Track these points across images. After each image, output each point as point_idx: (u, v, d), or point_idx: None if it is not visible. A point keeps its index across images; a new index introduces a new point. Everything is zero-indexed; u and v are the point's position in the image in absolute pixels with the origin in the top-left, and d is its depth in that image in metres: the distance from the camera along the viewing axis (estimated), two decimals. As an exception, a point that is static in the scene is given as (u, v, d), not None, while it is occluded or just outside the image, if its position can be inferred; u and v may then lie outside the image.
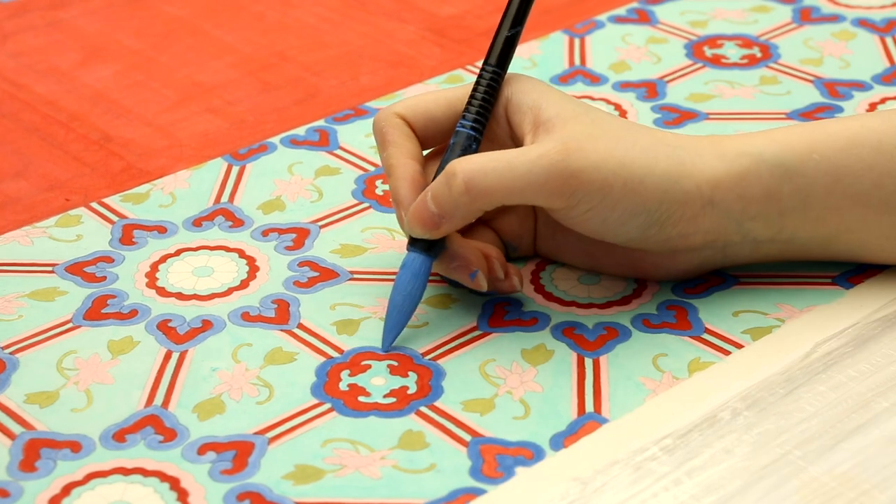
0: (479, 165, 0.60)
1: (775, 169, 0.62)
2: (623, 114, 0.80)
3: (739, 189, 0.62)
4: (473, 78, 0.84)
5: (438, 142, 0.66)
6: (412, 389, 0.60)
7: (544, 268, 0.68)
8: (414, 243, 0.63)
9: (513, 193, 0.60)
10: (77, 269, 0.68)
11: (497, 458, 0.56)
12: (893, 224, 0.64)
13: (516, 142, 0.64)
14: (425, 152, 0.66)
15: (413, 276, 0.62)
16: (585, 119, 0.62)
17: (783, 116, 0.79)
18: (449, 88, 0.66)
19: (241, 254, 0.69)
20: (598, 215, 0.61)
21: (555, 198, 0.60)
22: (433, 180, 0.62)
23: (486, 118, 0.64)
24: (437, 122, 0.65)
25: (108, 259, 0.69)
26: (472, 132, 0.63)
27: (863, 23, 0.89)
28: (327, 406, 0.59)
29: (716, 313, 0.64)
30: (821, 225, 0.64)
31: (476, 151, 0.63)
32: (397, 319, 0.62)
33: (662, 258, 0.65)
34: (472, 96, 0.64)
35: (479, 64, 0.85)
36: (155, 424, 0.58)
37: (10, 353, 0.63)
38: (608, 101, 0.81)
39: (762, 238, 0.64)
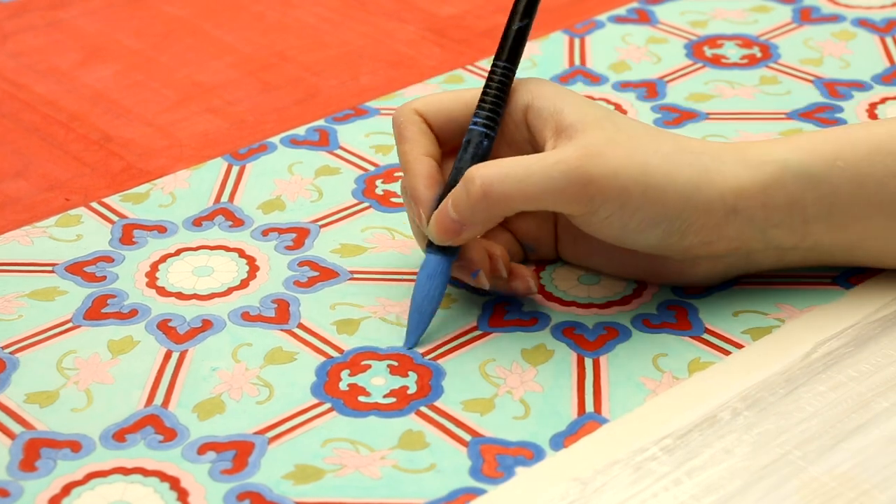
0: (496, 171, 0.60)
1: (800, 177, 0.62)
2: (624, 114, 0.80)
3: (763, 197, 0.62)
4: (474, 77, 0.84)
5: (457, 140, 0.65)
6: (412, 389, 0.60)
7: (544, 268, 0.68)
8: (431, 244, 0.63)
9: (531, 199, 0.60)
10: (77, 269, 0.68)
11: (497, 458, 0.56)
12: None
13: (536, 148, 0.63)
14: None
15: (429, 277, 0.62)
16: (607, 124, 0.61)
17: (783, 116, 0.79)
18: (467, 89, 0.65)
19: (241, 253, 0.69)
20: (617, 222, 0.61)
21: (573, 204, 0.60)
22: (448, 178, 0.62)
23: (498, 115, 0.63)
24: (456, 120, 0.65)
25: (108, 259, 0.69)
26: (484, 129, 0.63)
27: (863, 23, 0.89)
28: (327, 406, 0.59)
29: (716, 313, 0.64)
30: (844, 232, 0.63)
31: (489, 149, 0.63)
32: (418, 320, 0.62)
33: (685, 265, 0.64)
34: (483, 93, 0.64)
35: (480, 64, 0.85)
36: (155, 424, 0.58)
37: (10, 353, 0.63)
38: (608, 101, 0.81)
39: (786, 245, 0.63)
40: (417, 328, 0.63)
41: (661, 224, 0.61)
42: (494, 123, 0.63)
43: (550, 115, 0.62)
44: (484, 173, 0.60)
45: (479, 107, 0.63)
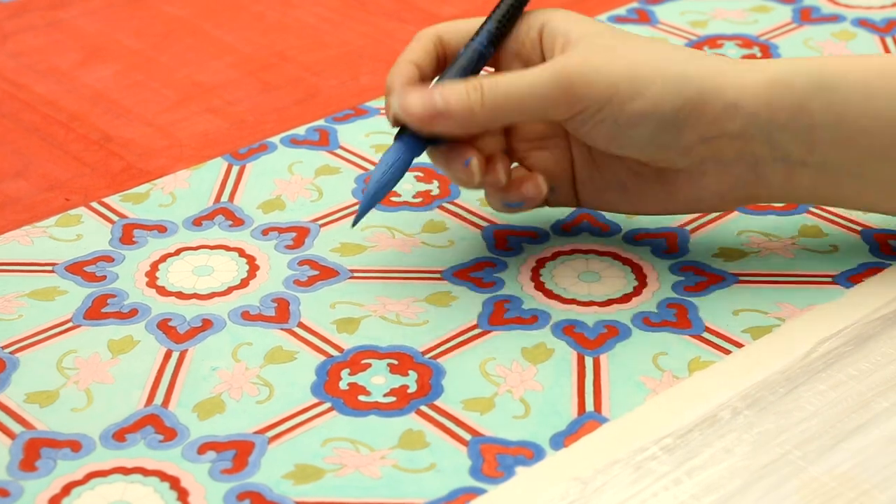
0: (494, 78, 0.61)
1: (809, 79, 0.62)
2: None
3: (767, 95, 0.62)
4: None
5: None
6: (412, 388, 0.60)
7: (544, 265, 0.68)
8: (401, 134, 0.64)
9: (521, 105, 0.61)
10: (77, 269, 0.68)
11: (497, 458, 0.56)
12: None
13: None
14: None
15: (394, 164, 0.63)
16: (607, 34, 0.63)
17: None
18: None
19: (241, 253, 0.69)
20: (608, 118, 0.61)
21: (561, 107, 0.61)
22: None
23: (499, 38, 0.65)
24: None
25: (108, 258, 0.69)
26: (480, 47, 0.65)
27: (863, 23, 0.89)
28: (327, 405, 0.59)
29: (716, 312, 0.64)
30: (851, 147, 0.63)
31: (480, 67, 0.65)
32: (369, 204, 0.63)
33: (692, 179, 0.64)
34: (490, 17, 0.65)
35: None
36: (155, 424, 0.58)
37: (10, 353, 0.63)
38: (608, 101, 0.81)
39: (794, 156, 0.63)
40: (366, 211, 0.63)
41: (652, 117, 0.61)
42: (493, 45, 0.65)
43: (560, 34, 0.64)
44: (486, 80, 0.61)
45: (481, 27, 0.65)
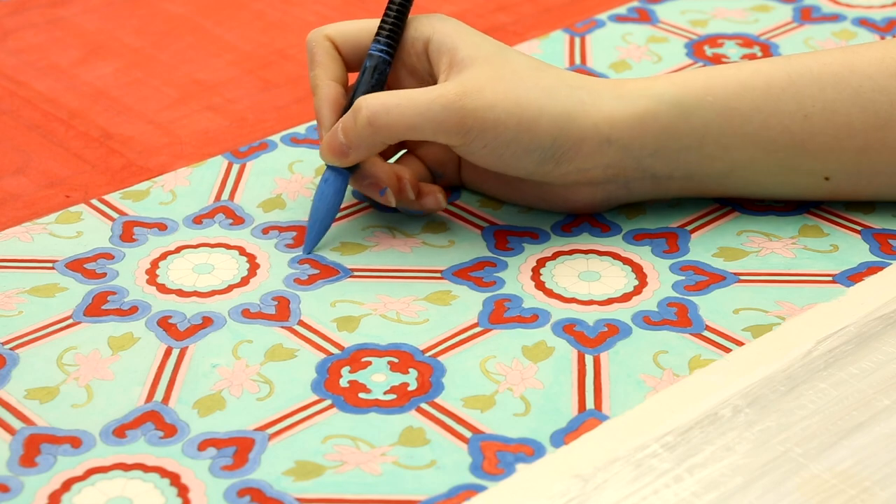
0: (382, 102, 0.65)
1: (672, 109, 0.67)
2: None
3: (638, 128, 0.67)
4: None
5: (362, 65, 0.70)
6: (413, 386, 0.60)
7: (545, 264, 0.68)
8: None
9: (413, 129, 0.65)
10: (77, 266, 0.68)
11: (497, 455, 0.56)
12: (779, 162, 0.68)
13: (434, 80, 0.68)
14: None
15: (335, 192, 0.68)
16: (496, 61, 0.66)
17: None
18: (374, 19, 0.70)
19: (242, 251, 0.69)
20: (493, 152, 0.66)
21: (452, 135, 0.65)
22: (348, 101, 0.68)
23: (396, 41, 0.68)
24: (363, 47, 0.70)
25: (108, 256, 0.69)
26: (384, 56, 0.68)
27: (863, 22, 0.89)
28: (328, 402, 0.59)
29: (716, 311, 0.64)
30: (715, 162, 0.68)
31: (386, 73, 0.68)
32: (318, 231, 0.68)
33: (567, 191, 0.69)
34: (383, 21, 0.68)
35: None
36: (155, 420, 0.58)
37: (11, 349, 0.62)
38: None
39: (661, 174, 0.68)
40: (316, 238, 0.68)
41: (535, 152, 0.66)
42: (392, 49, 0.68)
43: (447, 51, 0.67)
44: (371, 103, 0.65)
45: (378, 33, 0.68)
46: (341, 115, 0.68)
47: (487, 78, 0.65)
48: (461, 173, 0.73)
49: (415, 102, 0.65)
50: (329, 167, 0.68)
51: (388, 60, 0.68)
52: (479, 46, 0.67)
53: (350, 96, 0.69)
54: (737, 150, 0.68)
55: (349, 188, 0.72)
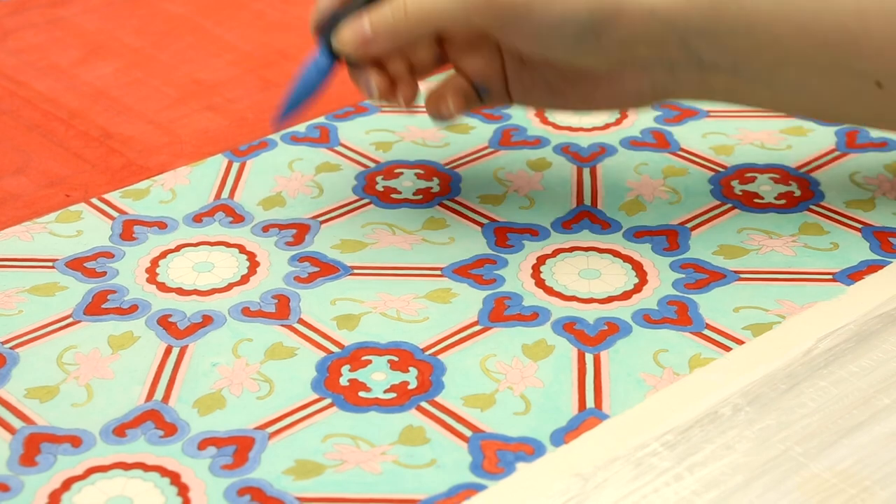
0: None
1: None
2: (624, 114, 0.80)
3: (683, 3, 0.65)
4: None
5: None
6: (413, 385, 0.60)
7: (544, 262, 0.68)
8: (323, 44, 0.67)
9: (445, 14, 0.64)
10: (77, 265, 0.68)
11: (498, 454, 0.56)
12: (832, 58, 0.66)
13: None
14: None
15: (318, 71, 0.67)
16: None
17: (784, 114, 0.79)
18: None
19: (242, 249, 0.69)
20: (529, 24, 0.64)
21: (483, 14, 0.64)
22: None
23: None
24: None
25: (108, 254, 0.69)
26: None
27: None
28: (328, 401, 0.59)
29: (717, 309, 0.64)
30: (763, 51, 0.66)
31: None
32: (294, 103, 0.68)
33: (613, 80, 0.68)
34: None
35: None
36: (155, 419, 0.58)
37: (11, 348, 0.62)
38: (609, 99, 0.81)
39: (707, 60, 0.66)
40: (291, 108, 0.68)
41: (572, 23, 0.64)
42: None
43: None
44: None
45: None
46: (336, 7, 0.67)
47: None
48: (508, 87, 0.71)
49: None
50: (322, 48, 0.67)
51: None
52: None
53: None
54: (787, 40, 0.65)
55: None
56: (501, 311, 0.64)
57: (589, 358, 0.61)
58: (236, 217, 0.72)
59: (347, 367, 0.61)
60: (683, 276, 0.67)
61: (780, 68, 0.66)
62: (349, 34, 0.66)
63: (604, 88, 0.69)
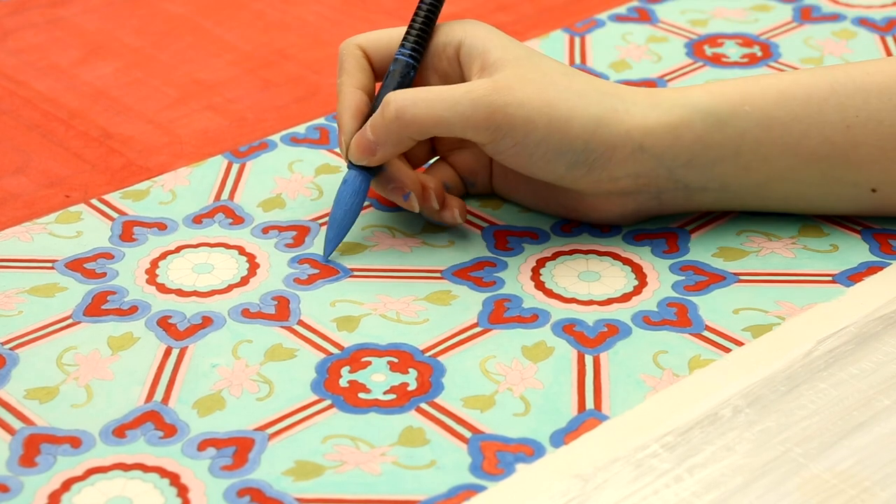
0: (411, 96, 0.65)
1: (708, 118, 0.66)
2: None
3: (671, 137, 0.66)
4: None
5: None
6: (412, 386, 0.60)
7: (544, 264, 0.68)
8: (353, 165, 0.68)
9: (440, 124, 0.65)
10: (77, 266, 0.68)
11: (497, 455, 0.56)
12: (822, 172, 0.67)
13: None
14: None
15: (354, 193, 0.67)
16: (526, 63, 0.66)
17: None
18: (405, 27, 0.69)
19: (241, 251, 0.69)
20: (523, 151, 0.65)
21: (480, 131, 0.64)
22: (373, 105, 0.68)
23: (423, 46, 0.68)
24: (394, 56, 0.69)
25: (108, 255, 0.69)
26: (408, 59, 0.68)
27: (863, 22, 0.89)
28: (327, 402, 0.59)
29: (716, 311, 0.64)
30: (752, 173, 0.67)
31: (413, 78, 0.68)
32: (338, 232, 0.68)
33: (598, 200, 0.68)
34: (411, 25, 0.68)
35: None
36: (155, 420, 0.58)
37: (10, 349, 0.62)
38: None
39: (695, 185, 0.67)
40: (336, 240, 0.68)
41: (566, 155, 0.65)
42: (418, 54, 0.68)
43: (479, 54, 0.67)
44: (399, 98, 0.65)
45: (404, 38, 0.68)
46: (363, 123, 0.67)
47: (518, 78, 0.65)
48: (493, 181, 0.72)
49: (443, 97, 0.64)
50: (351, 169, 0.68)
51: (413, 65, 0.68)
52: (510, 49, 0.66)
53: (374, 102, 0.68)
54: (775, 160, 0.66)
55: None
56: (501, 313, 0.64)
57: (589, 359, 0.61)
58: (236, 218, 0.72)
59: (347, 368, 0.61)
60: (683, 278, 0.67)
61: (771, 184, 0.68)
62: (355, 145, 0.67)
63: (588, 204, 0.69)
